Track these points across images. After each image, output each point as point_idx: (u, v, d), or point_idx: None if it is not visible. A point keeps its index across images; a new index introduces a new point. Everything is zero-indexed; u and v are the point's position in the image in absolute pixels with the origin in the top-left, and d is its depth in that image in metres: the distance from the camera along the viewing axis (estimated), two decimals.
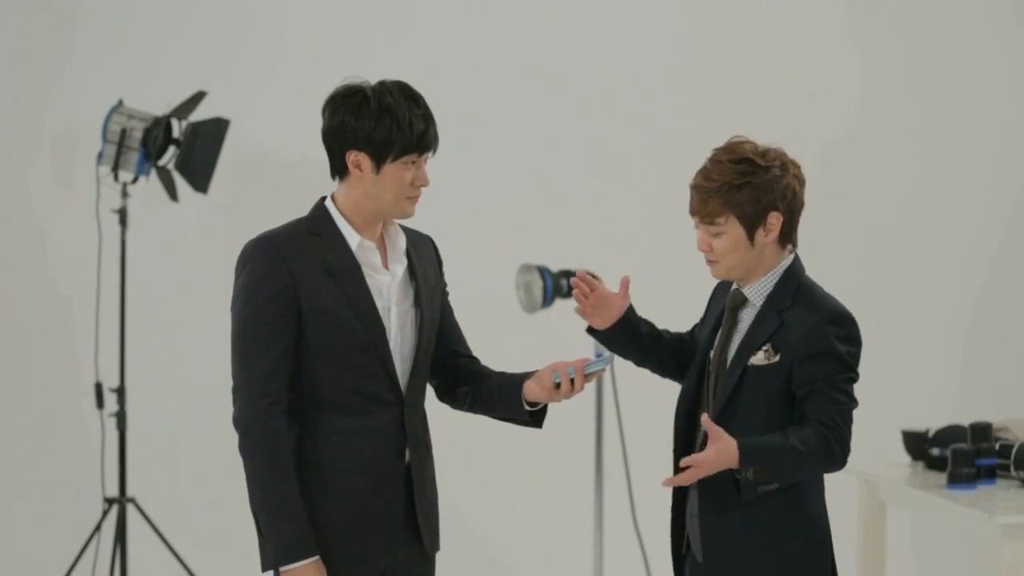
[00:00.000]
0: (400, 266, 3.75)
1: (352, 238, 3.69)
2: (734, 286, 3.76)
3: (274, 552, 3.59)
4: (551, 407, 3.84)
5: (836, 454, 3.59)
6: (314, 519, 3.62)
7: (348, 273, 3.66)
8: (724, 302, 3.78)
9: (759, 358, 3.63)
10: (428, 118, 3.69)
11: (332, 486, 3.64)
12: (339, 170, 3.70)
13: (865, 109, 7.12)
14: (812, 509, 3.69)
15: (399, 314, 3.71)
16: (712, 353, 3.74)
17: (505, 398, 3.80)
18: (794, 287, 3.68)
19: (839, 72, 7.10)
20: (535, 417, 3.81)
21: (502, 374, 3.86)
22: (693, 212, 3.69)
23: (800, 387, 3.60)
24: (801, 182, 3.71)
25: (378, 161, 3.65)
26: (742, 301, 3.71)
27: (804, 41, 7.09)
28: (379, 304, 3.68)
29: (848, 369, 3.61)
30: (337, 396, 3.64)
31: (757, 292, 3.70)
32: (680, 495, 3.77)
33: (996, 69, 7.18)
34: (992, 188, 7.17)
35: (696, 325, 3.93)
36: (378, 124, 3.63)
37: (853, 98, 7.11)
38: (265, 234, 3.70)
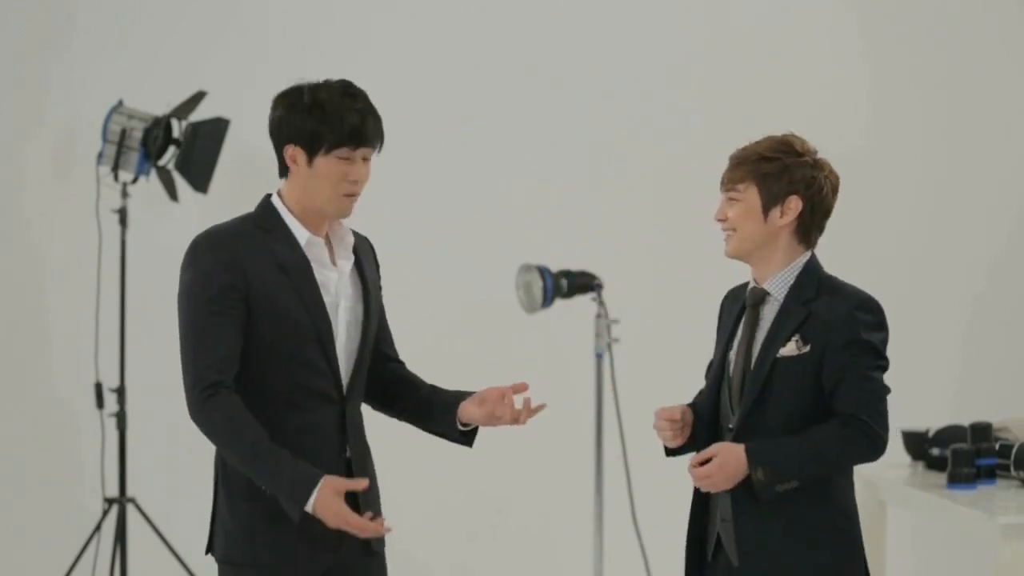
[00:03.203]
0: (347, 263, 3.76)
1: (301, 234, 3.71)
2: (751, 285, 3.75)
3: (289, 503, 3.58)
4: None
5: (866, 444, 3.60)
6: (256, 513, 3.65)
7: (298, 268, 3.68)
8: (741, 302, 3.75)
9: (789, 349, 3.61)
10: (365, 113, 3.67)
11: None
12: (281, 166, 3.73)
13: (869, 111, 7.11)
14: (841, 501, 3.66)
15: (346, 310, 3.73)
16: (733, 354, 3.72)
17: (438, 418, 3.81)
18: (816, 280, 3.68)
19: (845, 76, 7.09)
20: (467, 436, 3.82)
21: (435, 390, 3.85)
22: (721, 182, 3.71)
23: (831, 377, 3.60)
24: (833, 188, 3.78)
25: (310, 154, 3.67)
26: (762, 296, 3.70)
27: (809, 43, 7.08)
28: (327, 300, 3.69)
29: (878, 357, 3.65)
30: (282, 392, 3.66)
31: (778, 286, 3.69)
32: (702, 501, 3.75)
33: (1002, 75, 7.17)
34: (994, 189, 7.16)
35: (710, 363, 3.89)
36: (308, 116, 3.66)
37: (858, 101, 7.10)
38: (213, 229, 3.73)
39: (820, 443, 3.56)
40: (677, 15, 7.00)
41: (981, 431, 5.29)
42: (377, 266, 3.89)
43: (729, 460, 3.56)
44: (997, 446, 5.23)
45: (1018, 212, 7.18)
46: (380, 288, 3.89)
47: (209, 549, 3.76)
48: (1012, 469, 5.15)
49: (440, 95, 6.76)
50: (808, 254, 3.72)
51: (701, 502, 3.75)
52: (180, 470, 6.64)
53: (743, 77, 7.00)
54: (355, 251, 3.78)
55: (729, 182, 3.69)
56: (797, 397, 3.61)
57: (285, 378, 3.66)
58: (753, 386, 3.62)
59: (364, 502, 3.71)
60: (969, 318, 7.16)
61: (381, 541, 3.78)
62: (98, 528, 6.16)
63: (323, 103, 3.66)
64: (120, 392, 6.21)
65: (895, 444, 5.74)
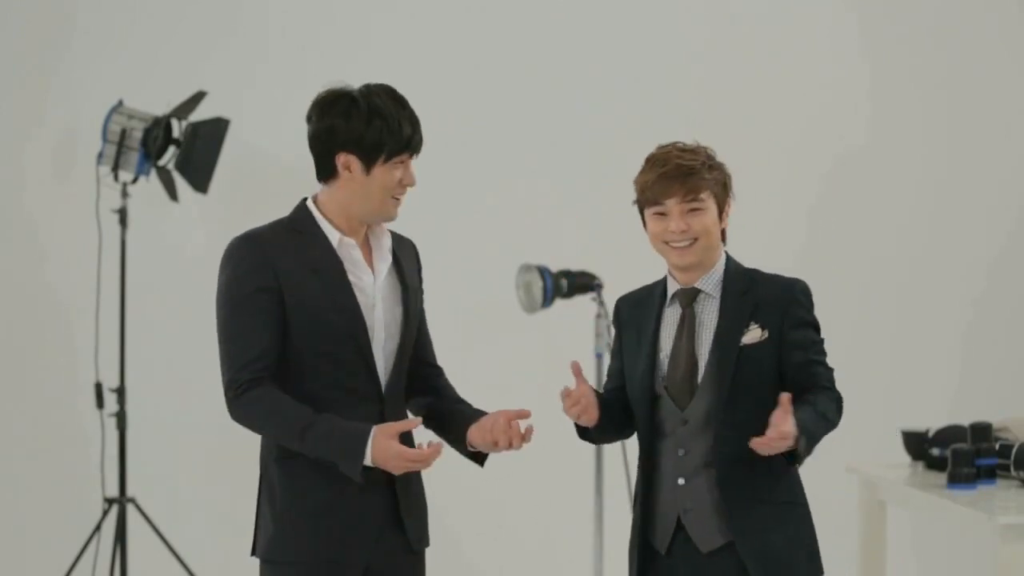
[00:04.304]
0: (385, 264, 3.80)
1: (333, 236, 3.75)
2: (676, 287, 3.82)
3: (348, 464, 3.63)
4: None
5: (840, 414, 3.78)
6: (295, 511, 3.69)
7: (330, 270, 3.72)
8: (654, 306, 3.84)
9: (752, 337, 3.73)
10: (414, 119, 3.76)
11: (313, 479, 3.69)
12: (328, 172, 3.75)
13: (869, 111, 7.11)
14: (798, 473, 3.82)
15: (384, 311, 3.77)
16: (665, 355, 3.80)
17: (453, 434, 3.85)
18: (742, 272, 3.82)
19: (845, 76, 7.09)
20: (477, 456, 3.86)
21: (457, 406, 3.88)
22: (670, 194, 3.76)
23: (790, 357, 3.73)
24: None
25: (368, 163, 3.71)
26: (695, 295, 3.80)
27: (809, 43, 7.08)
28: (363, 301, 3.73)
29: (819, 333, 3.80)
30: (320, 391, 3.69)
31: (710, 283, 3.80)
32: (648, 496, 3.83)
33: (1002, 75, 7.17)
34: (994, 189, 7.16)
35: (611, 364, 3.99)
36: (369, 126, 3.69)
37: (858, 101, 7.10)
38: (249, 232, 3.76)
39: (826, 414, 3.72)
40: (677, 15, 7.00)
41: (981, 431, 5.29)
42: (419, 269, 3.92)
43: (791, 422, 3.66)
44: (997, 446, 5.23)
45: (1018, 212, 7.18)
46: (421, 292, 3.93)
47: (254, 551, 3.79)
48: (1012, 469, 5.15)
49: (440, 95, 6.75)
50: (724, 251, 3.84)
51: (647, 500, 3.83)
52: (180, 470, 6.65)
53: (743, 77, 7.00)
54: (394, 253, 3.82)
55: (689, 193, 3.75)
56: (764, 381, 3.74)
57: (323, 378, 3.70)
58: (722, 378, 3.73)
59: (404, 501, 3.75)
60: (969, 318, 7.16)
61: (421, 540, 3.82)
62: (98, 528, 6.16)
63: (381, 112, 3.70)
64: (120, 392, 6.21)
65: (895, 444, 5.76)
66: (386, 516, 3.75)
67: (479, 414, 3.84)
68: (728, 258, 3.83)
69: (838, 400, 3.75)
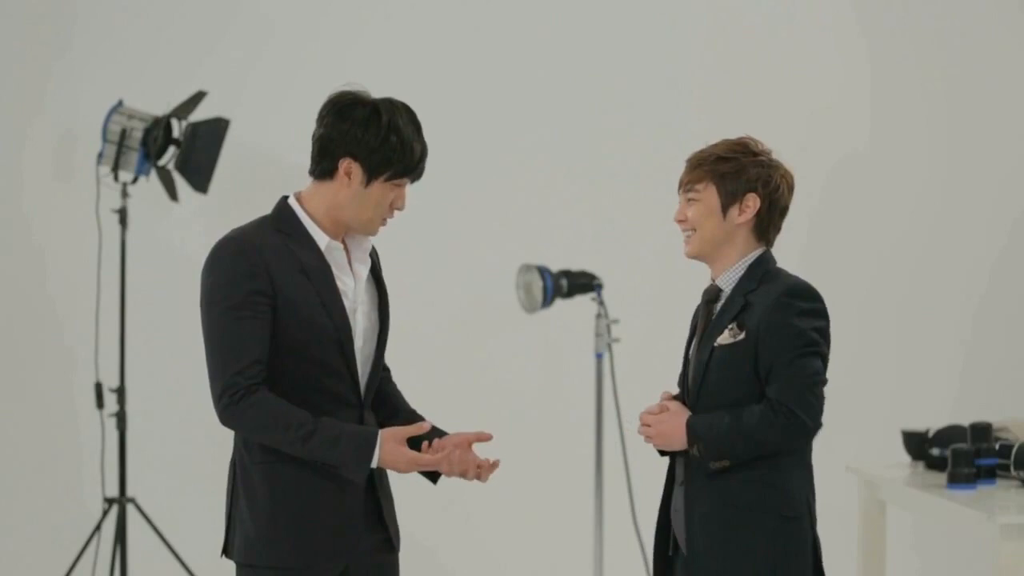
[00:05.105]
0: (364, 268, 3.78)
1: (320, 238, 3.72)
2: (709, 283, 3.83)
3: (352, 466, 3.64)
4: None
5: (790, 430, 3.61)
6: (280, 515, 3.67)
7: (319, 272, 3.69)
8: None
9: (725, 337, 3.69)
10: (424, 147, 3.75)
11: (295, 483, 3.67)
12: (326, 172, 3.71)
13: (870, 111, 7.11)
14: (791, 485, 3.69)
15: (363, 315, 3.76)
16: (692, 351, 3.81)
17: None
18: (761, 272, 3.75)
19: (846, 76, 7.09)
20: (431, 473, 3.82)
21: (412, 419, 3.84)
22: (679, 185, 3.80)
23: (763, 364, 3.65)
24: (789, 186, 3.83)
25: (371, 176, 3.69)
26: (716, 293, 3.78)
27: (809, 43, 7.08)
28: (346, 305, 3.71)
29: (809, 343, 3.64)
30: (303, 394, 3.66)
31: (728, 280, 3.77)
32: (668, 495, 3.82)
33: (1003, 75, 7.17)
34: (995, 189, 7.17)
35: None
36: (384, 142, 3.67)
37: (859, 101, 7.10)
38: (234, 233, 3.71)
39: (746, 426, 3.62)
40: (677, 16, 7.00)
41: (981, 431, 5.29)
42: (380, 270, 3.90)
43: (671, 423, 3.70)
44: (997, 446, 5.23)
45: (1019, 213, 7.19)
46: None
47: (225, 552, 3.76)
48: (1012, 469, 5.15)
49: (440, 95, 6.76)
50: (761, 250, 3.79)
51: (666, 495, 3.83)
52: (180, 470, 6.65)
53: (744, 77, 7.00)
54: (372, 256, 3.81)
55: (688, 183, 3.78)
56: (735, 384, 3.68)
57: (306, 381, 3.67)
58: (696, 377, 3.73)
59: (384, 500, 3.76)
60: (970, 318, 7.16)
61: (398, 538, 3.81)
62: (98, 528, 6.16)
63: (399, 131, 3.68)
64: (120, 392, 6.21)
65: (895, 444, 5.76)
66: (368, 516, 3.73)
67: (436, 432, 3.79)
68: (759, 258, 3.77)
69: (768, 415, 3.60)
